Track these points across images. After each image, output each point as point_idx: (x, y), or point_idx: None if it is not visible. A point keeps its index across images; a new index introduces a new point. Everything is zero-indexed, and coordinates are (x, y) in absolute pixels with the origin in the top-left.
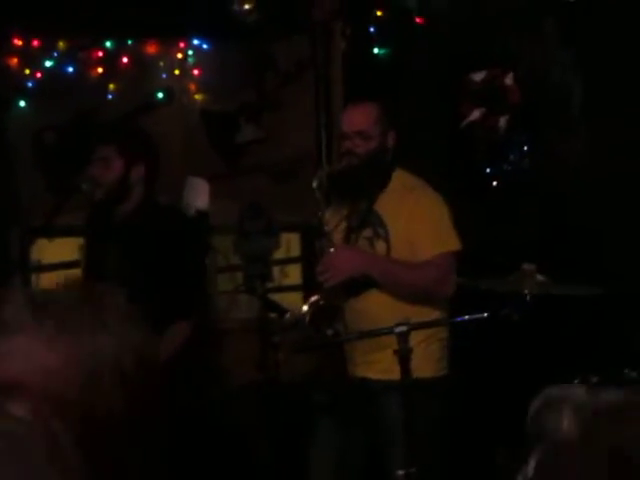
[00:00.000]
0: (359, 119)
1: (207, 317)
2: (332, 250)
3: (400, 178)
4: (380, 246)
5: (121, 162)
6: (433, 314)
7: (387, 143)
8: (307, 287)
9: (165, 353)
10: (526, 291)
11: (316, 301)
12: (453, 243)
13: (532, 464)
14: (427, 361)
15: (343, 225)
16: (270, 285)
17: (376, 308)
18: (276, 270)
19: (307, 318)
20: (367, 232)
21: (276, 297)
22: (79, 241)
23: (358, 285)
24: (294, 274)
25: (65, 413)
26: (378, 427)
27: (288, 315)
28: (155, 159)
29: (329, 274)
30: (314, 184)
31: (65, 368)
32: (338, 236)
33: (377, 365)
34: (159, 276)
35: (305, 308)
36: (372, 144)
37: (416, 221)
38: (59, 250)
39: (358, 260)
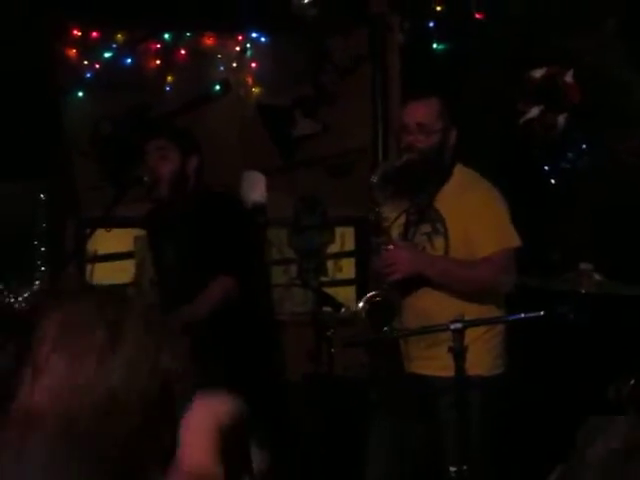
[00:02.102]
0: (422, 112)
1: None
2: (391, 247)
3: (460, 174)
4: (439, 242)
5: (177, 153)
6: (489, 311)
7: (448, 140)
8: (361, 281)
9: (202, 305)
10: (583, 290)
11: (372, 297)
12: (512, 240)
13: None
14: (483, 358)
15: (402, 220)
16: (324, 279)
17: (432, 305)
18: (330, 264)
19: (363, 314)
20: (425, 227)
21: (330, 291)
22: (135, 232)
23: (414, 283)
24: (348, 268)
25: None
26: (433, 424)
27: (343, 310)
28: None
29: (389, 270)
30: (373, 179)
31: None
32: (396, 231)
33: (433, 362)
34: (210, 255)
35: (361, 304)
36: (433, 139)
37: (475, 218)
38: (115, 241)
39: (416, 261)
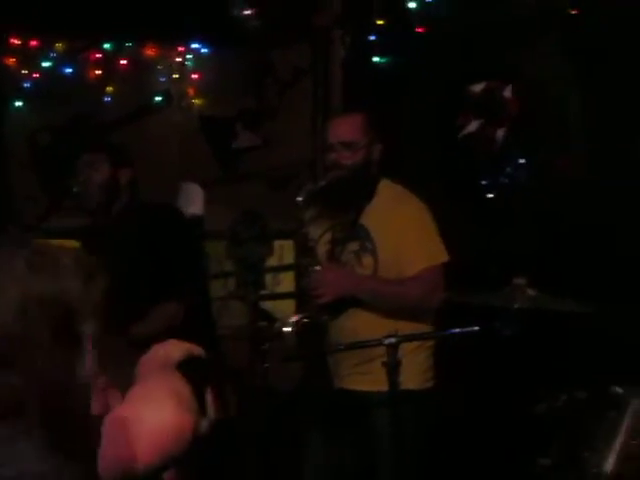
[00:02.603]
0: (345, 130)
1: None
2: (318, 269)
3: (386, 189)
4: (367, 260)
5: (107, 165)
6: (420, 326)
7: (373, 155)
8: (300, 295)
9: (143, 330)
10: (516, 305)
11: (301, 319)
12: (440, 255)
13: None
14: (414, 373)
15: (328, 237)
16: (263, 292)
17: (362, 325)
18: (269, 277)
19: (292, 337)
20: (353, 245)
21: (269, 304)
22: (73, 243)
23: (344, 303)
24: (287, 281)
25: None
26: (367, 439)
27: (277, 324)
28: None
29: (317, 293)
30: (299, 199)
31: None
32: (322, 249)
33: (365, 377)
34: (147, 264)
35: (289, 328)
36: (358, 156)
37: (402, 234)
38: None
39: (344, 282)
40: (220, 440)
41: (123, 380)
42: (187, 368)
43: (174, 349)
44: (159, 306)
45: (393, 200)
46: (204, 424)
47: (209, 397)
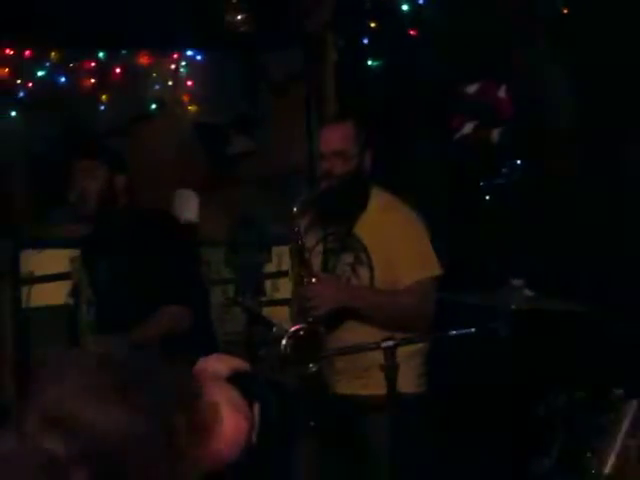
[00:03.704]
0: (336, 139)
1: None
2: (314, 280)
3: (377, 198)
4: (363, 273)
5: (103, 171)
6: (412, 331)
7: (365, 163)
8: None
9: (148, 332)
10: (513, 306)
11: (296, 332)
12: (433, 268)
13: None
14: (409, 377)
15: (320, 248)
16: (262, 298)
17: (358, 337)
18: (267, 283)
19: (288, 349)
20: (348, 257)
21: (268, 311)
22: (69, 253)
23: (340, 315)
24: (286, 287)
25: None
26: (362, 444)
27: (275, 329)
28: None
29: (313, 304)
30: (294, 210)
31: None
32: (316, 260)
33: (361, 381)
34: (148, 273)
35: (285, 340)
36: (351, 164)
37: (396, 245)
38: (50, 262)
39: (340, 294)
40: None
41: None
42: (237, 382)
43: (221, 364)
44: (162, 309)
45: (385, 209)
46: (254, 435)
47: (255, 410)
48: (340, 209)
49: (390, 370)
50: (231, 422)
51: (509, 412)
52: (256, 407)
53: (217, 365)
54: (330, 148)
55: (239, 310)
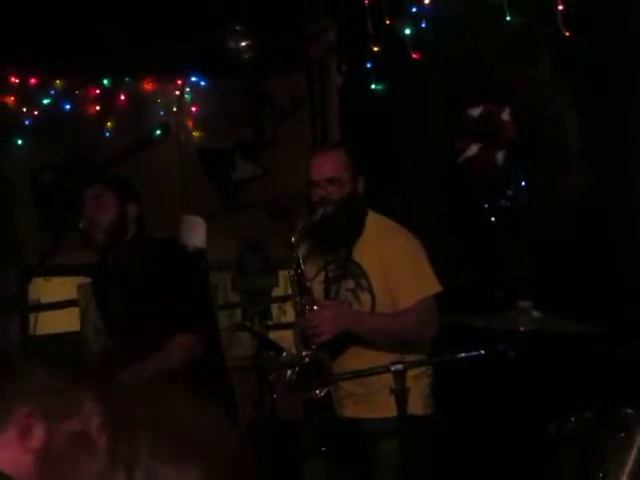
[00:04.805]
0: (329, 166)
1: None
2: (316, 308)
3: (374, 223)
4: (365, 298)
5: (114, 200)
6: (418, 353)
7: (358, 188)
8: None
9: (154, 366)
10: (522, 328)
11: (301, 359)
12: (432, 286)
13: None
14: (417, 399)
15: (322, 276)
16: (269, 323)
17: (363, 362)
18: (274, 307)
19: (294, 377)
20: (348, 284)
21: (275, 335)
22: (77, 280)
23: (343, 341)
24: (292, 311)
25: None
26: (371, 466)
27: (284, 354)
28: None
29: (316, 332)
30: (293, 239)
31: None
32: (318, 288)
33: (370, 405)
34: (161, 303)
35: (289, 372)
36: (345, 190)
37: (393, 269)
38: (57, 289)
39: (342, 320)
40: None
41: None
42: None
43: None
44: (175, 338)
45: (382, 234)
46: None
47: None
48: (338, 236)
49: (400, 393)
50: None
51: (520, 434)
52: None
53: None
54: (323, 176)
55: (247, 334)
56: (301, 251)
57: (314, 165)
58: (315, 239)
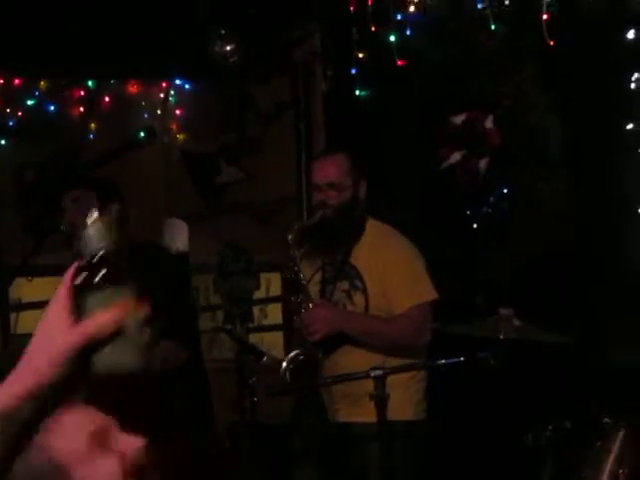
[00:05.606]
0: (330, 171)
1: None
2: (311, 306)
3: (372, 228)
4: (359, 299)
5: (95, 202)
6: (410, 359)
7: (359, 193)
8: (288, 327)
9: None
10: (501, 336)
11: (296, 356)
12: (428, 293)
13: None
14: (406, 404)
15: (318, 277)
16: (251, 325)
17: (354, 362)
18: (256, 310)
19: (287, 374)
20: (343, 285)
21: (257, 337)
22: (59, 280)
23: (337, 340)
24: (274, 314)
25: None
26: (358, 471)
27: (265, 359)
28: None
29: (310, 330)
30: (290, 237)
31: None
32: (314, 288)
33: (356, 409)
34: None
35: (284, 364)
36: (345, 195)
37: (390, 273)
38: (39, 289)
39: (335, 319)
40: None
41: None
42: None
43: None
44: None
45: (380, 239)
46: None
47: None
48: (335, 239)
49: (380, 399)
50: None
51: (498, 441)
52: None
53: None
54: (324, 180)
55: (228, 337)
56: (298, 252)
57: (316, 168)
58: (313, 241)
